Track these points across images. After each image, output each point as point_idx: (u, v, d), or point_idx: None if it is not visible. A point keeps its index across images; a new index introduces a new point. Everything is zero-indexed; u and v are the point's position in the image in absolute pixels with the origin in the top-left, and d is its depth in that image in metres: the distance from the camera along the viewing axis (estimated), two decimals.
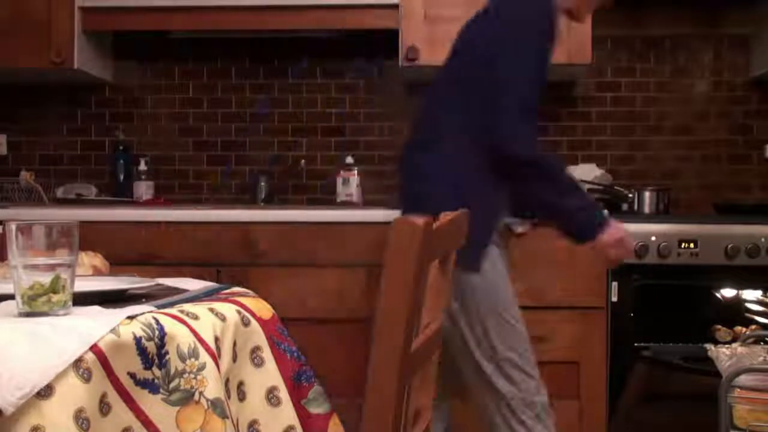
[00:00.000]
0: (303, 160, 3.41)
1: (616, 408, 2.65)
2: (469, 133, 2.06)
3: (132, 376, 1.13)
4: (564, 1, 2.17)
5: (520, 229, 2.59)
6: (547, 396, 2.12)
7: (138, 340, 1.14)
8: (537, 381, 2.10)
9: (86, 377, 1.06)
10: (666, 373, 2.58)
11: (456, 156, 2.08)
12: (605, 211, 2.18)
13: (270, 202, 3.35)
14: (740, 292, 2.73)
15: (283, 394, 1.34)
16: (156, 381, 1.15)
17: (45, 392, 1.02)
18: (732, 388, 1.58)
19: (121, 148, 3.39)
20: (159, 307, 1.25)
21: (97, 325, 1.11)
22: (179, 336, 1.18)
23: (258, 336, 1.34)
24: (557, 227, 2.13)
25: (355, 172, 3.27)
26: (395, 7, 2.97)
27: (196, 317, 1.23)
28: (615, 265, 2.29)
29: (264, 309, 1.40)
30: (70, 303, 1.20)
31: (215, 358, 1.21)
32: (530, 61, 2.02)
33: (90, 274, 1.59)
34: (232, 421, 1.21)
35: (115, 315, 1.16)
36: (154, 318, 1.18)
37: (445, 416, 2.32)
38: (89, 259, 1.64)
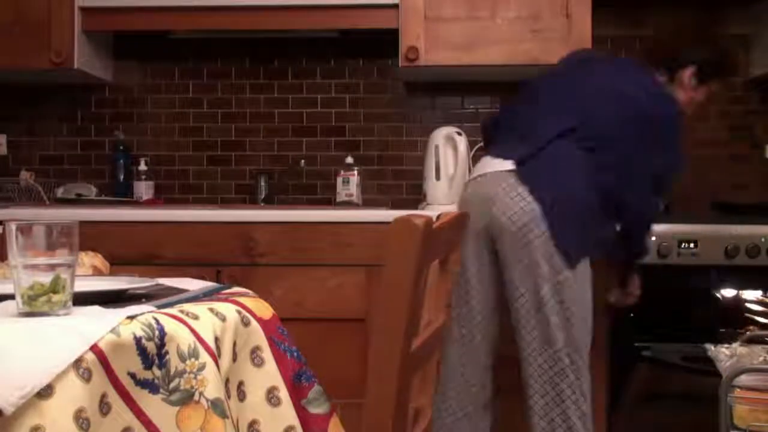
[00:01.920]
0: (303, 160, 3.41)
1: (616, 408, 2.65)
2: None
3: (132, 376, 1.13)
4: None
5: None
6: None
7: (138, 340, 1.14)
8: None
9: (86, 377, 1.06)
10: (666, 373, 2.58)
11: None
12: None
13: (270, 202, 3.35)
14: (740, 292, 2.73)
15: (283, 394, 1.34)
16: (156, 381, 1.15)
17: (45, 392, 1.02)
18: (732, 388, 1.58)
19: (121, 148, 3.39)
20: (159, 307, 1.25)
21: (97, 325, 1.11)
22: (179, 336, 1.18)
23: (258, 336, 1.34)
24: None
25: (355, 172, 3.27)
26: (395, 7, 2.97)
27: (196, 317, 1.23)
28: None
29: (264, 309, 1.40)
30: (70, 303, 1.20)
31: (215, 358, 1.21)
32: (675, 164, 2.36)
33: (90, 274, 1.59)
34: (232, 421, 1.21)
35: (115, 315, 1.16)
36: (154, 318, 1.18)
37: (496, 410, 2.38)
38: (89, 259, 1.64)
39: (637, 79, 2.37)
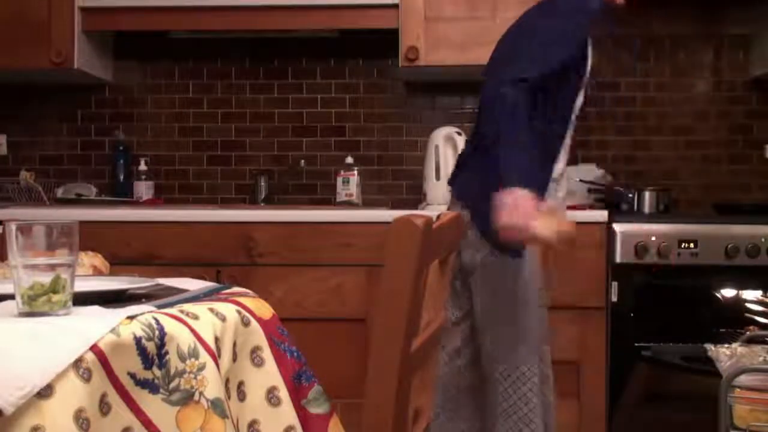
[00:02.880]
0: (303, 160, 3.41)
1: (616, 408, 2.65)
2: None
3: (132, 376, 1.13)
4: None
5: None
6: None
7: (138, 340, 1.13)
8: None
9: (86, 377, 1.06)
10: (666, 373, 2.58)
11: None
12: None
13: (270, 202, 3.35)
14: (740, 292, 2.73)
15: (283, 394, 1.34)
16: (156, 381, 1.15)
17: (45, 392, 1.02)
18: (732, 388, 1.58)
19: (121, 148, 3.39)
20: (159, 307, 1.25)
21: (97, 325, 1.11)
22: (179, 336, 1.18)
23: (258, 336, 1.34)
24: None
25: (355, 172, 3.27)
26: (395, 7, 2.97)
27: (196, 317, 1.23)
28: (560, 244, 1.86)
29: (264, 309, 1.40)
30: (70, 303, 1.20)
31: (215, 358, 1.21)
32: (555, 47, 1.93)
33: (90, 274, 1.59)
34: (232, 421, 1.21)
35: (115, 315, 1.16)
36: (154, 318, 1.18)
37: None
38: (89, 259, 1.64)
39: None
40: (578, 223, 2.56)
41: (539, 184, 1.95)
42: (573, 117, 2.08)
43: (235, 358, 1.30)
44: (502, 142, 1.85)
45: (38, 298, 1.17)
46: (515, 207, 1.77)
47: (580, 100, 2.08)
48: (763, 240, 2.64)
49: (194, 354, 1.18)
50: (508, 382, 2.09)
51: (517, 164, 1.83)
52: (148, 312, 1.20)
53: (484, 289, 2.09)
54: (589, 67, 2.10)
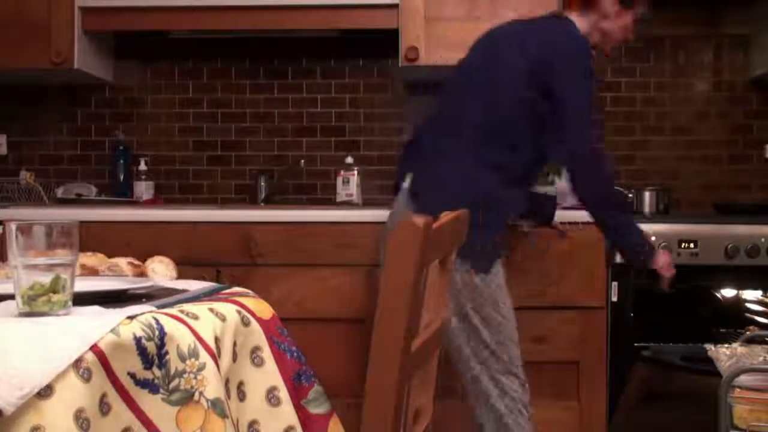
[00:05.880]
0: (303, 160, 3.41)
1: (616, 408, 2.65)
2: (495, 134, 2.23)
3: (132, 376, 1.13)
4: (591, 37, 2.37)
5: (525, 228, 2.60)
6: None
7: (138, 340, 1.14)
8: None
9: (86, 377, 1.06)
10: (666, 373, 2.58)
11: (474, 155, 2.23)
12: None
13: (270, 202, 3.35)
14: (740, 292, 2.73)
15: (283, 394, 1.34)
16: (156, 381, 1.15)
17: (45, 392, 1.02)
18: (732, 388, 1.58)
19: (121, 148, 3.39)
20: (159, 307, 1.25)
21: (97, 325, 1.11)
22: (179, 336, 1.18)
23: (258, 336, 1.34)
24: (608, 232, 2.40)
25: (355, 172, 3.27)
26: (395, 7, 2.97)
27: (196, 317, 1.23)
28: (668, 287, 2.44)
29: (264, 309, 1.40)
30: (70, 303, 1.20)
31: (215, 358, 1.21)
32: (589, 95, 2.30)
33: (79, 274, 1.58)
34: (232, 421, 1.21)
35: (115, 315, 1.16)
36: (154, 318, 1.18)
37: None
38: (80, 259, 1.63)
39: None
40: (578, 223, 2.58)
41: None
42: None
43: (235, 358, 1.30)
44: (609, 206, 2.32)
45: (38, 298, 1.17)
46: (664, 254, 2.40)
47: None
48: (763, 240, 2.64)
49: (194, 354, 1.18)
50: None
51: (636, 226, 2.35)
52: (148, 312, 1.20)
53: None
54: None
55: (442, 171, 2.24)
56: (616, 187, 2.45)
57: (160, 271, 1.64)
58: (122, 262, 1.65)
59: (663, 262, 2.38)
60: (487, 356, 2.20)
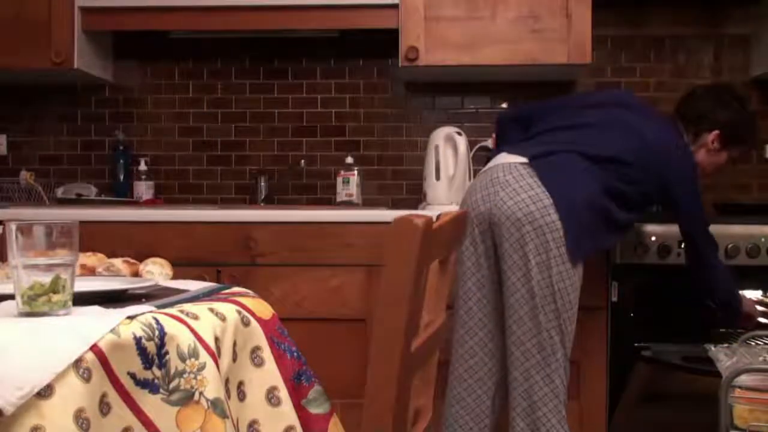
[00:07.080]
0: (303, 160, 3.41)
1: (616, 408, 2.65)
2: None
3: (132, 376, 1.13)
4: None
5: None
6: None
7: (138, 340, 1.14)
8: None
9: (86, 377, 1.06)
10: (666, 373, 2.58)
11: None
12: None
13: (270, 202, 3.35)
14: (740, 292, 2.72)
15: (283, 394, 1.34)
16: (156, 381, 1.15)
17: (45, 392, 1.02)
18: (732, 388, 1.58)
19: (121, 148, 3.39)
20: (159, 307, 1.25)
21: (97, 325, 1.11)
22: (179, 336, 1.18)
23: (258, 336, 1.34)
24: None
25: (355, 172, 3.27)
26: (395, 7, 2.97)
27: (196, 317, 1.23)
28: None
29: (264, 309, 1.40)
30: (70, 303, 1.20)
31: (215, 358, 1.21)
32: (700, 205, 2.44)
33: (78, 274, 1.59)
34: (232, 421, 1.21)
35: (115, 315, 1.16)
36: (154, 318, 1.18)
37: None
38: (80, 259, 1.63)
39: (664, 132, 2.41)
40: None
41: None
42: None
43: (235, 358, 1.30)
44: (713, 262, 2.46)
45: (38, 298, 1.17)
46: (752, 304, 2.58)
47: None
48: (763, 240, 2.64)
49: (194, 354, 1.18)
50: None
51: (731, 281, 2.49)
52: (148, 312, 1.20)
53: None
54: None
55: (576, 178, 2.27)
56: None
57: (156, 272, 1.64)
58: (117, 261, 1.65)
59: (750, 313, 2.55)
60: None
